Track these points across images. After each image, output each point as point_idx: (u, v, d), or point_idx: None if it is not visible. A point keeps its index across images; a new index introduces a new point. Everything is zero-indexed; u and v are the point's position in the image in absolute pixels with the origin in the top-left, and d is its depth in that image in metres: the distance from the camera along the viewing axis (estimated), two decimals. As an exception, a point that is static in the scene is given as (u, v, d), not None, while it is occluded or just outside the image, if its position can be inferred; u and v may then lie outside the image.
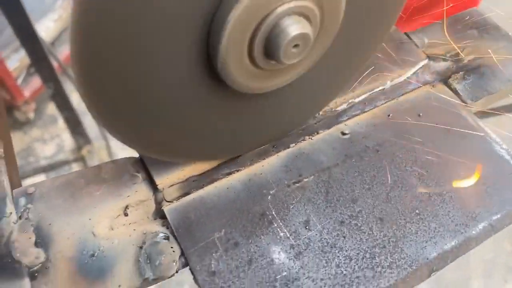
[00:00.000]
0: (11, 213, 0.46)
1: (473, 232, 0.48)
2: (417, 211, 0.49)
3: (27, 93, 2.38)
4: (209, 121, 0.45)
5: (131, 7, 0.31)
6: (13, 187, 0.49)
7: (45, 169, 2.18)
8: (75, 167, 2.39)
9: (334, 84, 0.52)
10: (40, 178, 2.28)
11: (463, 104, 0.57)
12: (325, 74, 0.48)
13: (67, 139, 2.46)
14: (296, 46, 0.37)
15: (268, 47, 0.37)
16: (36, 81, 2.36)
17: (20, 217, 0.47)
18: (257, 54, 0.37)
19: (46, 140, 2.48)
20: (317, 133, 0.54)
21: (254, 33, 0.36)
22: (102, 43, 0.32)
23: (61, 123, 2.42)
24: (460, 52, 0.61)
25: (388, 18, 0.48)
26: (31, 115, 2.52)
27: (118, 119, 0.40)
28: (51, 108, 2.50)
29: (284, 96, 0.46)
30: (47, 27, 2.58)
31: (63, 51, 2.59)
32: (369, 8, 0.44)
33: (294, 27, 0.36)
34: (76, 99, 2.11)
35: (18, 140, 2.36)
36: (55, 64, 1.80)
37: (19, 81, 2.42)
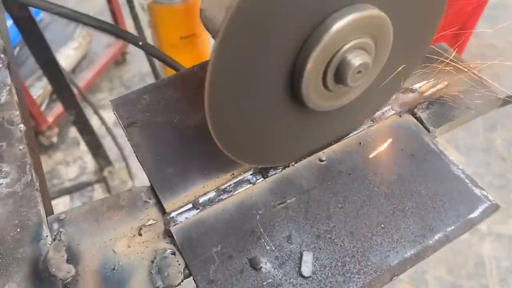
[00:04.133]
0: (47, 236, 0.57)
1: (430, 242, 0.57)
2: (382, 225, 0.58)
3: (50, 118, 2.51)
4: (288, 133, 0.59)
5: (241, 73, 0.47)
6: (47, 214, 0.60)
7: (69, 191, 2.30)
8: (98, 187, 2.51)
9: (385, 96, 0.67)
10: (65, 199, 2.40)
11: (426, 131, 0.66)
12: (376, 90, 0.61)
13: (89, 161, 2.59)
14: (359, 72, 0.51)
15: (338, 75, 0.51)
16: (58, 107, 2.48)
17: (54, 239, 0.57)
18: (329, 80, 0.52)
19: (69, 162, 2.61)
20: (299, 160, 0.64)
21: (327, 65, 0.50)
22: (226, 94, 0.49)
23: (83, 145, 2.55)
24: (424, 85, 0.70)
25: (427, 37, 0.62)
26: (55, 139, 2.65)
27: (233, 140, 0.55)
28: (73, 132, 2.63)
29: (345, 110, 0.60)
30: (67, 56, 2.71)
31: (84, 78, 2.72)
32: (411, 33, 0.58)
33: (357, 59, 0.50)
34: (96, 123, 2.24)
35: (43, 163, 2.50)
36: (75, 91, 1.91)
37: (43, 107, 2.55)
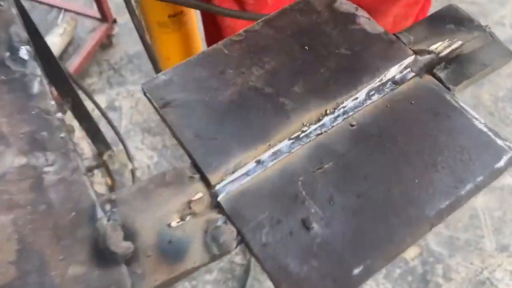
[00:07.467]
0: (101, 217, 0.60)
1: (462, 192, 0.61)
2: (416, 180, 0.62)
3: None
4: None
5: None
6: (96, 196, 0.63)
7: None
8: (97, 172, 2.52)
9: None
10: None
11: (447, 89, 0.70)
12: None
13: (85, 147, 2.59)
14: None
15: None
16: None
17: (108, 220, 0.60)
18: None
19: (66, 150, 2.60)
20: (332, 127, 0.67)
21: None
22: None
23: (77, 132, 2.55)
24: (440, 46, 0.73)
25: None
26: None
27: None
28: (67, 119, 2.62)
29: None
30: (53, 43, 2.68)
31: (72, 64, 2.70)
32: None
33: None
34: (90, 107, 2.23)
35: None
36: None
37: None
